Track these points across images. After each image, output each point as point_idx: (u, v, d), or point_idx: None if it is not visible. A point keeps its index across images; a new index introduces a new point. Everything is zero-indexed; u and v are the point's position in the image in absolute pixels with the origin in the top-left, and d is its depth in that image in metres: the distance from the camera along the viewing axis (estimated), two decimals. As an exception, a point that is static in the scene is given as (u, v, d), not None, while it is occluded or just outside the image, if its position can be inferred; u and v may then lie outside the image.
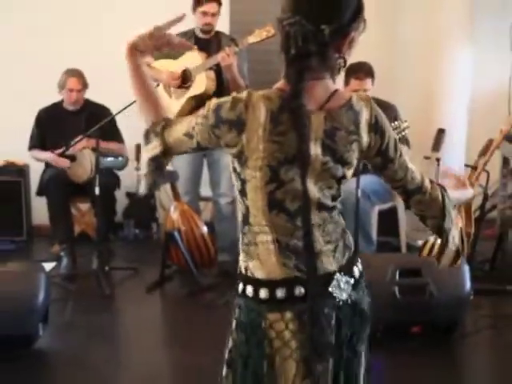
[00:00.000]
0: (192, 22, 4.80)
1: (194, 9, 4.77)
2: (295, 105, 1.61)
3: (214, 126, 1.68)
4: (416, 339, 3.84)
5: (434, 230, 1.88)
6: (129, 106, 4.48)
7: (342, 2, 1.66)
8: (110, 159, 5.09)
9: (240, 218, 1.77)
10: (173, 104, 4.81)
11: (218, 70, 4.75)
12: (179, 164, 4.79)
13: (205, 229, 4.91)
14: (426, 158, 5.17)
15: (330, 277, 1.72)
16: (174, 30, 5.07)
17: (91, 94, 5.24)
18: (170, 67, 4.77)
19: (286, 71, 1.66)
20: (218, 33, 4.91)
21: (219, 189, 4.97)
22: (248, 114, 1.64)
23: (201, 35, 4.86)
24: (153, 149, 1.80)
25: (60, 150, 4.90)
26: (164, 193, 5.50)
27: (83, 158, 4.96)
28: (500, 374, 3.73)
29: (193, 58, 4.75)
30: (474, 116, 5.76)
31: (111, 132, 5.12)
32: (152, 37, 1.89)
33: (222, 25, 4.98)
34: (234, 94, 1.69)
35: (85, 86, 5.19)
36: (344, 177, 1.74)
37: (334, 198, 1.75)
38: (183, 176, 4.89)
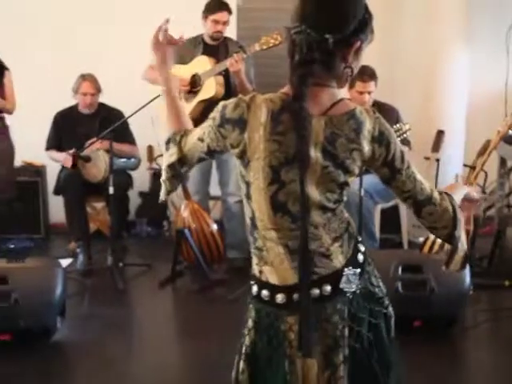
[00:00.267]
0: (200, 28, 4.81)
1: (206, 16, 4.77)
2: (296, 107, 1.61)
3: (219, 125, 1.71)
4: (417, 333, 3.83)
5: (444, 239, 1.84)
6: (140, 109, 4.50)
7: (348, 13, 1.65)
8: (123, 160, 5.11)
9: (248, 221, 1.77)
10: (183, 107, 4.80)
11: (226, 75, 4.75)
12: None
13: (214, 226, 4.91)
14: (426, 158, 5.17)
15: (339, 273, 1.72)
16: (185, 35, 5.05)
17: (105, 98, 5.24)
18: (180, 72, 4.78)
19: (290, 76, 1.67)
20: (225, 39, 4.92)
21: (228, 188, 4.97)
22: (250, 114, 1.66)
23: (209, 41, 4.86)
24: (170, 156, 1.86)
25: (72, 151, 4.92)
26: (175, 192, 5.49)
27: (98, 158, 4.97)
28: (499, 366, 3.71)
29: (202, 64, 4.76)
30: (472, 118, 5.75)
31: (124, 134, 5.13)
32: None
33: (229, 30, 4.98)
34: (240, 96, 1.72)
35: (98, 90, 5.19)
36: (346, 183, 1.71)
37: (336, 202, 1.73)
38: (193, 176, 4.90)
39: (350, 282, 1.73)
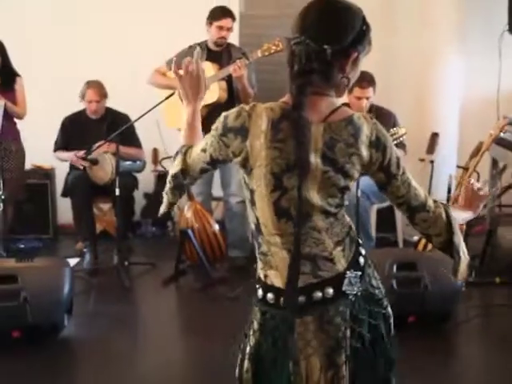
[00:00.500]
0: (204, 35, 4.82)
1: (210, 23, 4.77)
2: (295, 116, 1.61)
3: (221, 134, 1.71)
4: (412, 328, 3.83)
5: (440, 247, 1.82)
6: (146, 113, 4.51)
7: (346, 25, 1.66)
8: (128, 163, 5.11)
9: (253, 227, 1.76)
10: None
11: (229, 80, 4.76)
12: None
13: (216, 227, 4.92)
14: (421, 160, 5.17)
15: (341, 277, 1.71)
16: (187, 43, 5.09)
17: (112, 103, 5.24)
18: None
19: (289, 85, 1.66)
20: (228, 45, 4.92)
21: (229, 189, 4.97)
22: (251, 122, 1.66)
23: (213, 47, 4.86)
24: (175, 166, 1.86)
25: (81, 153, 4.93)
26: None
27: (104, 161, 4.97)
28: (490, 360, 3.72)
29: (206, 69, 4.74)
30: (465, 121, 5.75)
31: (130, 138, 5.13)
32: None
33: (232, 37, 4.99)
34: (241, 105, 1.71)
35: (103, 96, 5.17)
36: (347, 188, 1.70)
37: (337, 206, 1.72)
38: (196, 178, 4.90)
39: (352, 285, 1.72)
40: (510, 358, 3.62)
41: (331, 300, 1.71)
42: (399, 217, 5.16)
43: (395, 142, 4.25)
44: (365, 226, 4.81)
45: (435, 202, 1.80)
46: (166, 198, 1.92)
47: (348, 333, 1.72)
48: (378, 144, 1.69)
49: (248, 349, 1.80)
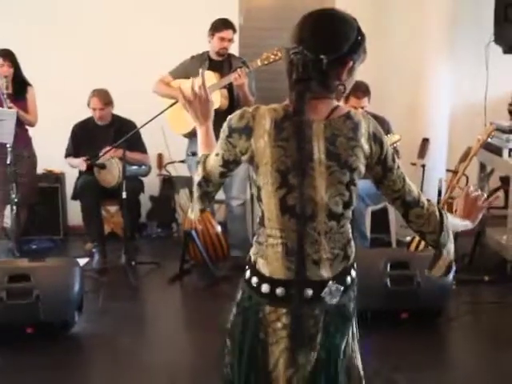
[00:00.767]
0: (206, 45, 4.84)
1: (212, 34, 4.78)
2: (297, 121, 1.62)
3: (228, 136, 1.72)
4: (405, 324, 3.85)
5: (432, 245, 1.81)
6: (151, 120, 4.52)
7: (342, 35, 1.66)
8: (135, 167, 5.12)
9: (257, 219, 1.78)
10: (190, 119, 4.81)
11: (230, 88, 4.76)
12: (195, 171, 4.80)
13: (218, 228, 4.92)
14: (413, 164, 5.18)
15: (323, 284, 1.71)
16: (190, 53, 5.09)
17: (119, 110, 5.25)
18: (188, 86, 4.78)
19: (289, 94, 1.68)
20: (229, 55, 4.92)
21: (231, 192, 4.97)
22: (255, 122, 1.67)
23: (214, 57, 4.87)
24: (197, 176, 1.86)
25: (85, 158, 4.94)
26: (183, 196, 5.51)
27: (112, 166, 4.97)
28: (479, 353, 3.74)
29: (208, 78, 4.77)
30: (454, 127, 5.75)
31: (136, 143, 5.13)
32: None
33: (232, 47, 5.01)
34: (244, 108, 1.73)
35: (107, 103, 5.13)
36: (352, 182, 1.70)
37: (345, 205, 1.71)
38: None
39: (332, 295, 1.72)
40: (498, 353, 3.63)
41: (308, 301, 1.71)
42: (393, 219, 5.17)
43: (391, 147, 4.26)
44: (360, 227, 4.82)
45: (428, 200, 1.80)
46: (195, 206, 1.90)
47: (318, 337, 1.72)
48: (375, 137, 1.71)
49: (229, 325, 1.83)
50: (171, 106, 4.59)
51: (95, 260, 5.02)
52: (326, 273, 1.71)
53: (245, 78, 4.62)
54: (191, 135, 4.73)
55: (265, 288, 1.73)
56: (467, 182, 5.07)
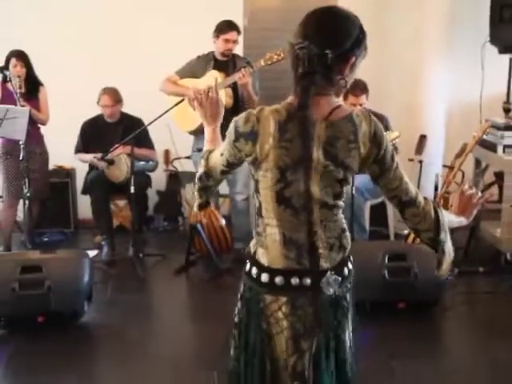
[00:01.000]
0: (211, 45, 4.83)
1: (217, 36, 4.76)
2: (302, 115, 1.62)
3: (234, 140, 1.72)
4: (402, 314, 3.85)
5: (428, 243, 1.80)
6: (158, 117, 4.52)
7: (345, 32, 1.66)
8: (142, 163, 5.11)
9: (255, 210, 1.78)
10: (196, 116, 4.80)
11: (234, 87, 4.75)
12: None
13: (223, 221, 4.91)
14: (410, 160, 5.16)
15: (322, 273, 1.71)
16: (195, 53, 5.08)
17: (127, 108, 5.25)
18: (193, 85, 4.79)
19: (294, 87, 1.67)
20: (233, 55, 4.91)
21: (235, 187, 4.97)
22: (260, 126, 1.66)
23: (219, 57, 4.86)
24: (200, 169, 1.88)
25: (98, 155, 4.94)
26: (189, 191, 5.51)
27: (120, 162, 4.97)
28: (473, 341, 3.74)
29: (213, 77, 4.75)
30: (450, 124, 5.74)
31: (144, 140, 5.13)
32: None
33: (237, 48, 5.00)
34: (249, 110, 1.71)
35: (117, 101, 5.15)
36: (345, 179, 1.70)
37: (335, 196, 1.72)
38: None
39: (329, 285, 1.71)
40: (492, 341, 3.63)
41: (307, 288, 1.70)
42: (391, 213, 5.16)
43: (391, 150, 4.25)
44: (359, 220, 4.82)
45: (425, 199, 1.79)
46: (196, 198, 1.96)
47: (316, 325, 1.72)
48: (375, 138, 1.70)
49: (236, 317, 1.82)
50: (177, 104, 4.59)
51: (104, 252, 5.03)
52: (324, 263, 1.71)
53: (249, 77, 4.61)
54: (196, 132, 4.73)
55: (264, 277, 1.73)
56: (463, 177, 5.07)
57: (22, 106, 4.54)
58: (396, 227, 5.21)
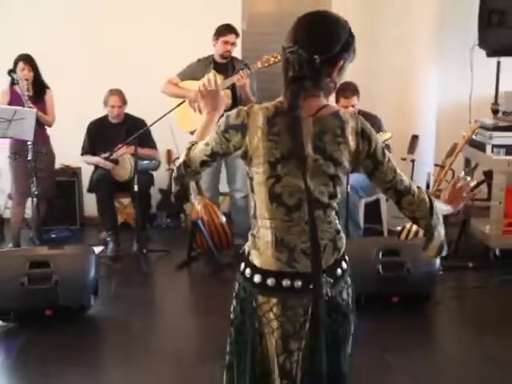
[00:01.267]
0: (210, 49, 4.82)
1: (217, 38, 4.78)
2: (291, 116, 1.62)
3: (224, 131, 1.72)
4: (395, 307, 3.85)
5: (425, 228, 1.79)
6: (160, 118, 4.51)
7: (334, 37, 1.66)
8: (145, 162, 5.11)
9: (251, 212, 1.77)
10: (196, 117, 4.82)
11: (233, 88, 4.75)
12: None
13: (223, 218, 4.91)
14: (403, 159, 5.17)
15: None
16: (195, 56, 5.06)
17: (131, 109, 5.24)
18: (194, 87, 4.79)
19: (284, 90, 1.67)
20: (232, 58, 4.92)
21: (235, 185, 4.97)
22: (249, 120, 1.67)
23: (219, 60, 4.86)
24: (181, 158, 1.86)
25: (105, 155, 4.94)
26: (190, 189, 5.50)
27: (124, 161, 4.97)
28: (462, 333, 3.74)
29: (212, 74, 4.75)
30: (441, 124, 5.74)
31: (147, 140, 5.13)
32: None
33: (236, 51, 5.00)
34: (240, 106, 1.74)
35: (124, 102, 5.18)
36: (337, 176, 1.69)
37: (330, 196, 1.71)
38: (205, 175, 4.88)
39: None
40: (481, 334, 3.63)
41: (298, 291, 1.69)
42: (384, 210, 5.16)
43: (382, 145, 4.24)
44: (354, 218, 4.81)
45: (418, 188, 1.79)
46: (173, 184, 1.92)
47: (306, 326, 1.69)
48: (363, 134, 1.70)
49: (232, 315, 1.81)
50: (179, 105, 4.58)
51: (109, 248, 5.03)
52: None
53: (247, 78, 4.62)
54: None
55: (257, 278, 1.71)
56: (453, 175, 5.05)
57: (30, 107, 4.53)
58: (389, 224, 5.21)
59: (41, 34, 5.55)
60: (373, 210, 5.14)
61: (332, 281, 1.71)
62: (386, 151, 1.76)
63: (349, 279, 1.79)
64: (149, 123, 4.84)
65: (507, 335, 3.57)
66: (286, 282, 1.69)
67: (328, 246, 1.72)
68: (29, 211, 4.95)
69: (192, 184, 5.39)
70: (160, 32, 5.66)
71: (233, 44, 4.81)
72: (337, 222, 1.77)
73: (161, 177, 5.69)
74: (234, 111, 1.71)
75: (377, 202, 5.13)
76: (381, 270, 3.77)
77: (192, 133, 5.47)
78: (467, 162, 5.25)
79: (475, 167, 5.24)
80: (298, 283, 1.69)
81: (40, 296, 3.60)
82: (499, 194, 4.61)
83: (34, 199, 4.51)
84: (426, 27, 5.52)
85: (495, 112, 5.21)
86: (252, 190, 1.73)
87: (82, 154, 5.26)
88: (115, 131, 5.15)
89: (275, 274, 1.69)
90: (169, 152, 5.88)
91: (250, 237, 1.77)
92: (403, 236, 4.23)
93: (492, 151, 4.77)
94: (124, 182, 5.01)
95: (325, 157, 1.66)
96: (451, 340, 3.68)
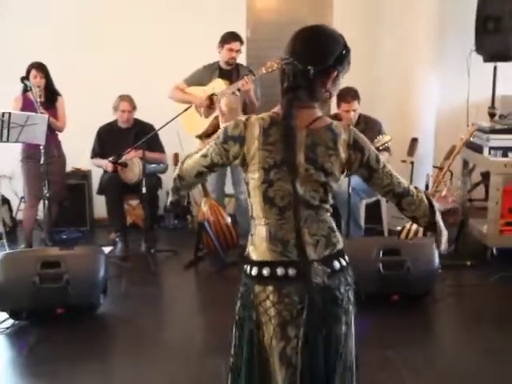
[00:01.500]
0: (216, 56, 4.82)
1: (222, 45, 4.78)
2: (285, 125, 1.66)
3: (223, 142, 1.75)
4: (396, 305, 3.84)
5: (426, 226, 1.84)
6: (168, 123, 4.51)
7: (328, 50, 1.70)
8: (153, 165, 5.11)
9: (250, 213, 1.80)
10: (202, 121, 4.82)
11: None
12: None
13: (228, 219, 4.90)
14: (403, 161, 5.15)
15: (308, 264, 1.69)
16: (202, 63, 5.06)
17: (139, 114, 5.24)
18: (200, 92, 4.79)
19: (280, 99, 1.72)
20: (237, 64, 4.92)
21: (240, 187, 4.96)
22: (246, 131, 1.71)
23: (224, 66, 4.86)
24: (175, 172, 1.92)
25: (111, 158, 4.94)
26: (197, 191, 5.50)
27: (133, 164, 4.97)
28: (461, 329, 3.73)
29: (219, 85, 4.76)
30: (440, 127, 5.73)
31: (155, 144, 5.13)
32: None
33: (240, 57, 4.99)
34: (237, 117, 1.76)
35: (134, 107, 5.19)
36: (328, 184, 1.72)
37: (321, 201, 1.73)
38: (211, 178, 4.88)
39: (316, 274, 1.69)
40: (479, 330, 3.62)
41: (293, 278, 1.70)
42: (385, 210, 5.15)
43: (381, 147, 4.24)
44: (355, 218, 4.80)
45: (416, 188, 1.82)
46: (170, 195, 2.01)
47: (304, 314, 1.69)
48: (355, 145, 1.73)
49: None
50: (185, 110, 4.59)
51: (118, 248, 5.03)
52: (312, 254, 1.70)
53: (251, 84, 4.61)
54: (203, 136, 4.73)
55: (254, 271, 1.74)
56: (451, 177, 5.05)
57: (42, 113, 4.53)
58: (390, 224, 5.20)
59: (41, 35, 5.55)
60: (373, 210, 5.13)
61: (329, 270, 1.72)
62: (381, 158, 1.78)
63: (350, 279, 1.79)
64: (157, 128, 4.83)
65: (505, 330, 3.56)
66: (280, 271, 1.71)
67: (320, 240, 1.74)
68: (41, 213, 4.95)
69: (198, 187, 5.40)
70: (167, 41, 5.67)
71: (238, 51, 4.81)
72: (331, 221, 1.79)
73: (168, 179, 5.64)
74: (232, 123, 1.74)
75: (377, 202, 5.12)
76: (381, 268, 3.75)
77: (198, 136, 5.50)
78: (465, 163, 5.24)
79: (473, 169, 5.24)
80: (293, 271, 1.70)
81: (51, 295, 3.60)
82: (496, 195, 4.59)
83: (46, 202, 4.51)
84: (425, 33, 5.51)
85: (492, 115, 5.20)
86: (249, 195, 1.78)
87: (92, 158, 5.27)
88: (124, 135, 5.16)
89: (270, 264, 1.72)
90: (176, 155, 5.87)
91: (249, 237, 1.81)
92: (403, 235, 4.23)
93: (489, 153, 4.75)
94: (133, 184, 5.01)
95: (316, 167, 1.70)
96: (450, 336, 3.66)
